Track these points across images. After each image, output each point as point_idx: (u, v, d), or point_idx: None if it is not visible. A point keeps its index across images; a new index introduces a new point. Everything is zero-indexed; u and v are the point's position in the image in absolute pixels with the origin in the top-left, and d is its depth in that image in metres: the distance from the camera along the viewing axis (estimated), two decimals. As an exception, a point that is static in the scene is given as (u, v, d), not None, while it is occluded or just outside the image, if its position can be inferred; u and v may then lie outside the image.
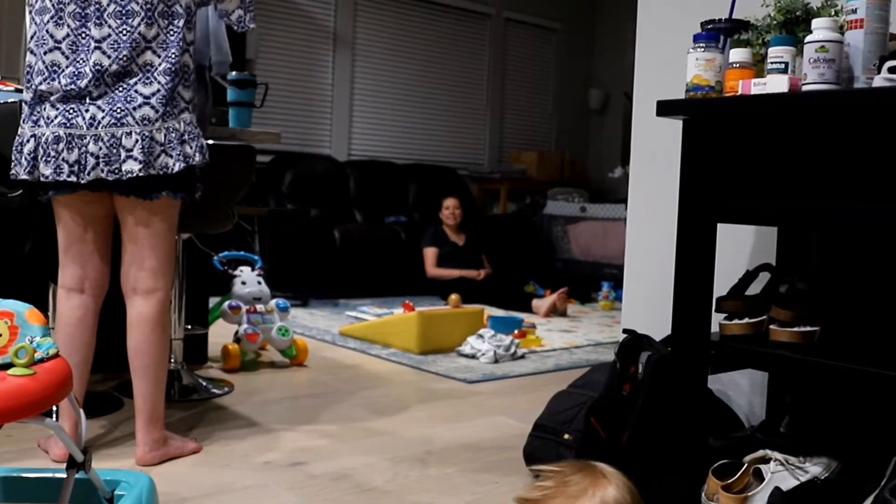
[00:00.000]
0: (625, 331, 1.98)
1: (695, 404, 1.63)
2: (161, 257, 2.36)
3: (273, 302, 3.86)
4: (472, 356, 4.11)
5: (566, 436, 2.28)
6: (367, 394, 3.35)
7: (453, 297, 5.80)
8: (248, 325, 3.70)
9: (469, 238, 6.65)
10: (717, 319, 1.68)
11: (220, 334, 3.90)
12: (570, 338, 4.89)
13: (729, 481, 1.64)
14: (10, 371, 1.55)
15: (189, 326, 3.50)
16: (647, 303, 2.37)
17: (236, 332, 3.72)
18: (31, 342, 1.62)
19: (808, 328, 1.59)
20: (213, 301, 3.88)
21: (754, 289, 1.76)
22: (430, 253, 6.44)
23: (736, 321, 1.64)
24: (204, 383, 3.28)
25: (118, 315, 2.40)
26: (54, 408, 2.75)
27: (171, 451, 2.42)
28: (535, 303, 5.89)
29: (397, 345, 4.26)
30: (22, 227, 2.69)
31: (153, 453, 2.36)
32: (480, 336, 4.19)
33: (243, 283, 3.82)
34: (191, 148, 2.27)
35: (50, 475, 1.98)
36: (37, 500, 1.97)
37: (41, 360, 1.63)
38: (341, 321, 5.03)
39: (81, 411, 1.86)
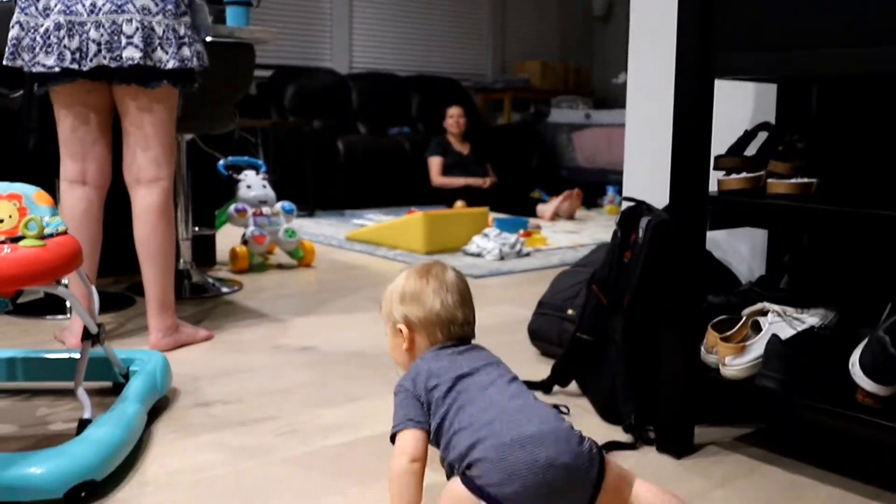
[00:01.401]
0: (625, 198, 1.99)
1: (694, 262, 1.66)
2: (162, 146, 2.38)
3: (279, 205, 3.88)
4: (478, 255, 4.14)
5: (569, 311, 2.32)
6: (374, 289, 3.40)
7: (459, 203, 5.82)
8: (255, 228, 3.73)
9: (474, 147, 6.63)
10: (715, 179, 1.69)
11: (227, 239, 3.94)
12: (576, 238, 4.91)
13: (728, 334, 1.67)
14: (22, 243, 1.58)
15: (196, 228, 3.54)
16: (648, 172, 2.38)
17: (243, 235, 3.75)
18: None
19: (806, 179, 1.60)
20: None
21: (753, 150, 1.76)
22: (434, 162, 6.43)
23: (734, 176, 1.66)
24: (213, 282, 3.33)
25: (126, 218, 2.43)
26: (67, 303, 2.81)
27: (183, 337, 2.47)
28: (541, 208, 5.91)
29: (404, 246, 4.29)
30: (25, 124, 2.70)
31: (166, 339, 2.41)
32: (486, 235, 4.22)
33: (248, 186, 3.84)
34: (189, 51, 2.29)
35: (67, 355, 2.04)
36: (56, 378, 2.02)
37: (50, 236, 1.66)
38: (347, 228, 5.06)
39: (93, 287, 1.90)
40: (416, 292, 1.47)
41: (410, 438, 1.33)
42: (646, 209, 1.91)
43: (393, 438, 1.36)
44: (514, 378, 1.43)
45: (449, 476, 1.31)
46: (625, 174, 2.50)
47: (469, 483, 1.24)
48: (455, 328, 1.47)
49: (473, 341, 1.52)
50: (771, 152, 1.71)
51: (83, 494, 1.45)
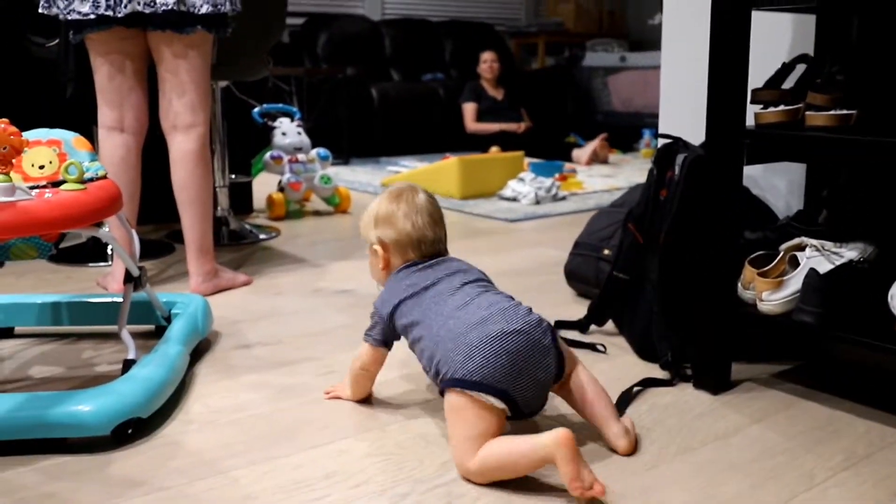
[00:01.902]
0: (661, 135, 1.97)
1: (731, 197, 1.64)
2: (198, 91, 2.39)
3: (314, 151, 3.89)
4: (514, 199, 4.13)
5: (605, 251, 2.32)
6: (411, 234, 3.41)
7: (493, 149, 5.79)
8: (291, 175, 3.75)
9: (508, 92, 6.58)
10: (752, 113, 1.67)
11: (264, 187, 3.96)
12: (612, 181, 4.88)
13: (765, 269, 1.66)
14: (63, 187, 1.61)
15: (233, 176, 3.57)
16: (684, 113, 2.35)
17: (280, 182, 3.77)
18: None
19: (845, 111, 1.57)
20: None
21: (792, 83, 1.73)
22: (469, 108, 6.40)
23: (771, 109, 1.63)
24: (251, 229, 3.36)
25: (165, 167, 2.46)
26: (109, 251, 2.85)
27: (223, 282, 2.50)
28: (576, 152, 5.86)
29: (439, 191, 4.29)
30: (62, 73, 2.73)
31: (206, 284, 2.44)
32: (521, 179, 4.21)
33: (283, 133, 3.84)
34: None
35: (110, 299, 2.08)
36: (100, 322, 2.07)
37: (90, 180, 1.69)
38: (383, 175, 5.07)
39: (133, 231, 1.93)
40: (388, 215, 1.60)
41: (367, 351, 1.60)
42: (682, 146, 1.89)
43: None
44: (478, 279, 1.56)
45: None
46: (661, 115, 2.46)
47: (445, 385, 1.38)
48: (426, 247, 1.59)
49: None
50: (809, 84, 1.68)
51: (129, 431, 1.49)
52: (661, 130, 2.47)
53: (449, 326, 1.42)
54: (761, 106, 1.67)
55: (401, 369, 1.85)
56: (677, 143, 1.91)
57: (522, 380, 1.36)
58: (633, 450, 1.46)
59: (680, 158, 1.86)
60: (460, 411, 1.35)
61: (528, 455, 1.28)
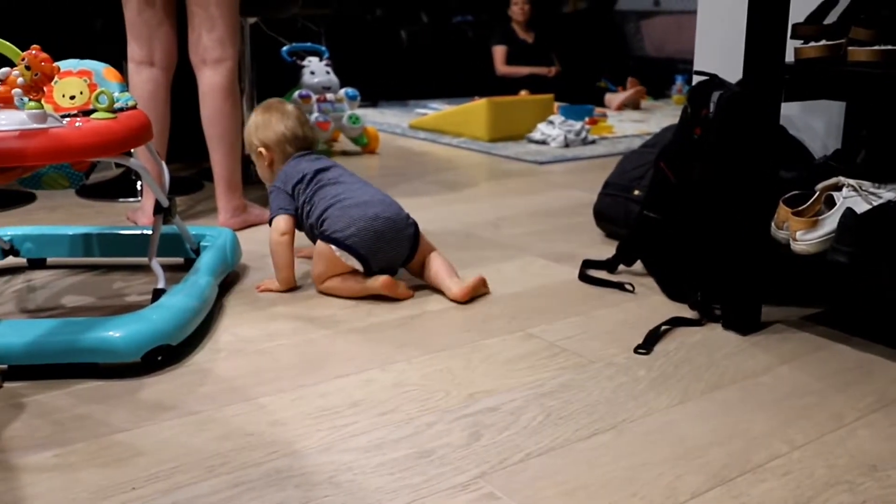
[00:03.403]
0: (696, 72, 1.93)
1: (767, 135, 1.61)
2: (227, 26, 2.37)
3: (342, 91, 3.87)
4: (543, 142, 4.10)
5: (636, 191, 2.30)
6: (439, 174, 3.40)
7: (523, 92, 5.73)
8: (319, 114, 3.73)
9: (539, 36, 6.48)
10: (792, 49, 1.63)
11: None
12: (643, 126, 4.82)
13: (800, 208, 1.63)
14: (93, 116, 1.60)
15: (261, 114, 3.54)
16: (720, 56, 2.30)
17: (308, 121, 3.75)
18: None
19: (890, 47, 1.53)
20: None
21: (834, 18, 1.69)
22: (499, 51, 6.31)
23: (812, 44, 1.59)
24: (279, 168, 3.35)
25: (193, 105, 2.45)
26: (138, 186, 2.87)
27: (252, 218, 2.51)
28: (608, 97, 5.79)
29: (467, 133, 4.26)
30: (91, 7, 2.71)
31: (234, 219, 2.45)
32: (551, 122, 4.16)
33: (312, 72, 3.82)
34: None
35: (140, 232, 2.09)
36: (130, 254, 2.08)
37: (121, 110, 1.68)
38: (411, 117, 5.03)
39: (163, 163, 1.93)
40: (264, 122, 2.05)
41: (282, 220, 1.93)
42: (718, 83, 1.86)
43: (270, 222, 1.95)
44: (354, 175, 2.01)
45: (312, 240, 1.93)
46: (696, 55, 2.41)
47: (323, 237, 1.86)
48: (300, 142, 2.04)
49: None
50: (853, 19, 1.63)
51: (159, 359, 1.50)
52: (695, 69, 2.42)
53: (340, 198, 1.88)
54: (802, 41, 1.63)
55: (426, 305, 1.85)
56: (713, 81, 1.87)
57: (380, 254, 1.85)
58: (465, 297, 1.85)
59: (715, 96, 1.82)
60: (325, 256, 1.85)
61: (361, 290, 1.84)
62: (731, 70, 1.88)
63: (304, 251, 2.09)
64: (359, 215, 1.84)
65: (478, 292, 1.90)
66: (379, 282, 1.82)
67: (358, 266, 1.84)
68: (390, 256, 1.88)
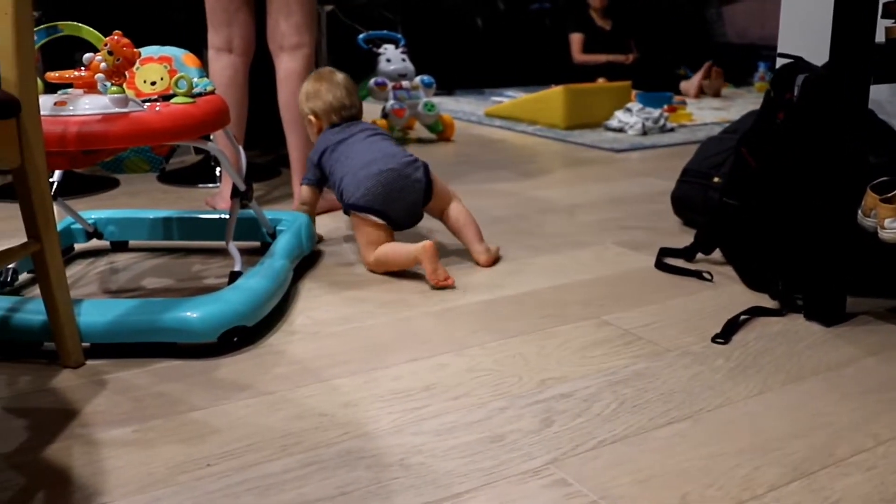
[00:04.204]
0: (780, 55, 1.87)
1: (855, 119, 1.55)
2: (304, 13, 2.39)
3: (418, 78, 3.87)
4: (620, 129, 4.04)
5: (715, 178, 2.24)
6: (514, 162, 3.38)
7: (600, 80, 5.65)
8: (395, 101, 3.75)
9: (616, 23, 6.38)
10: (882, 27, 1.56)
11: (367, 113, 3.96)
12: (723, 114, 4.71)
13: (889, 195, 1.57)
14: (173, 101, 1.63)
15: (338, 101, 3.57)
16: (805, 39, 2.23)
17: (383, 108, 3.77)
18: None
19: None
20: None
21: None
22: (575, 38, 6.23)
23: (905, 24, 1.53)
24: (355, 154, 3.37)
25: (271, 92, 2.48)
26: (217, 172, 2.91)
27: (326, 203, 2.50)
28: (685, 84, 5.68)
29: (543, 121, 4.23)
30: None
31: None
32: (628, 109, 4.10)
33: (388, 60, 3.83)
34: None
35: (218, 216, 2.12)
36: (208, 238, 2.12)
37: (199, 95, 1.71)
38: (486, 105, 5.01)
39: (241, 148, 1.96)
40: (315, 91, 2.17)
41: (305, 191, 2.14)
42: (803, 66, 1.80)
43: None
44: (378, 132, 2.12)
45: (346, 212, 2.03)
46: (780, 40, 2.34)
47: (346, 207, 1.99)
48: (345, 112, 2.15)
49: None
50: (949, -2, 1.56)
51: (235, 339, 1.52)
52: (779, 52, 2.36)
53: (350, 165, 2.00)
54: (893, 20, 1.56)
55: (501, 291, 1.84)
56: (798, 63, 1.81)
57: (395, 203, 1.95)
58: (492, 263, 2.00)
59: (800, 79, 1.77)
60: (358, 225, 1.97)
61: (405, 256, 1.88)
62: (817, 53, 1.82)
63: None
64: (364, 175, 1.95)
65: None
66: (420, 249, 1.87)
67: (380, 221, 1.94)
68: (407, 203, 1.98)
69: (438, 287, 1.84)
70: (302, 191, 2.14)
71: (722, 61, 6.15)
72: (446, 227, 2.07)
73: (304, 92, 2.19)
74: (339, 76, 2.19)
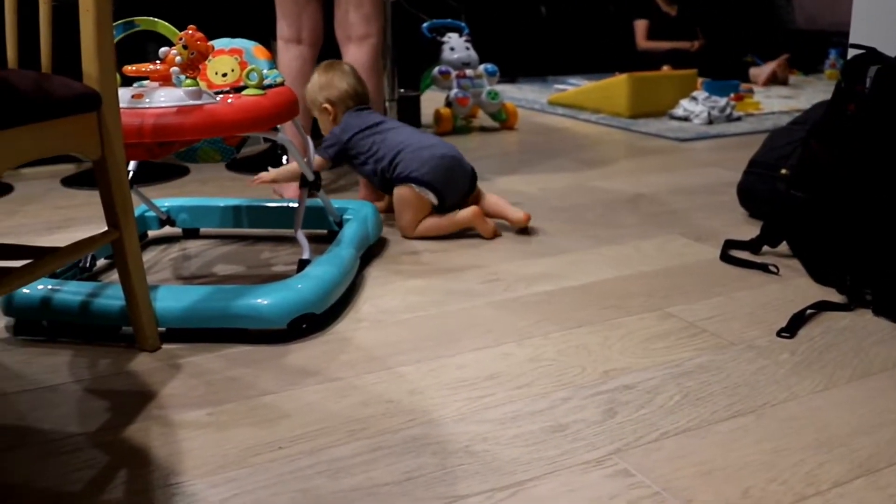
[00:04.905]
0: (852, 45, 1.84)
1: (928, 112, 1.53)
2: (372, 3, 2.42)
3: (481, 67, 3.88)
4: (685, 118, 4.00)
5: (783, 170, 2.21)
6: (578, 151, 3.37)
7: (665, 68, 5.59)
8: (458, 90, 3.76)
9: (682, 9, 6.30)
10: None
11: (431, 102, 3.99)
12: (792, 102, 4.63)
13: (962, 190, 1.55)
14: (244, 92, 1.67)
15: (402, 90, 3.61)
16: (879, 25, 2.18)
17: (447, 97, 3.79)
18: (261, 72, 1.74)
19: None
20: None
21: None
22: (640, 25, 6.18)
23: (982, 15, 1.50)
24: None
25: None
26: (284, 161, 2.96)
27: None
28: (753, 71, 5.59)
29: (607, 109, 4.20)
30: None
31: (376, 192, 2.50)
32: (694, 98, 4.06)
33: (451, 49, 3.85)
34: None
35: (286, 204, 2.17)
36: (277, 226, 2.17)
37: (269, 86, 1.75)
38: (550, 93, 5.00)
39: (309, 138, 2.00)
40: (328, 81, 2.27)
41: (319, 161, 2.14)
42: (875, 57, 1.77)
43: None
44: (406, 124, 2.29)
45: (381, 188, 2.24)
46: (851, 29, 2.30)
47: (399, 179, 2.13)
48: (359, 97, 2.28)
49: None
50: None
51: (304, 326, 1.56)
52: (851, 41, 2.32)
53: (406, 144, 2.15)
54: (970, 11, 1.53)
55: (563, 282, 1.85)
56: (870, 54, 1.78)
57: (451, 186, 2.16)
58: (528, 220, 2.21)
59: (872, 70, 1.74)
60: (406, 199, 2.13)
61: (453, 222, 2.14)
62: (891, 43, 1.79)
63: (380, 204, 2.34)
64: (429, 155, 2.12)
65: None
66: (470, 212, 2.12)
67: (434, 200, 2.13)
68: (458, 188, 2.18)
69: (495, 236, 2.17)
70: (316, 159, 2.13)
71: (790, 48, 6.03)
72: (483, 208, 2.22)
73: (314, 83, 2.29)
74: (346, 66, 2.31)
